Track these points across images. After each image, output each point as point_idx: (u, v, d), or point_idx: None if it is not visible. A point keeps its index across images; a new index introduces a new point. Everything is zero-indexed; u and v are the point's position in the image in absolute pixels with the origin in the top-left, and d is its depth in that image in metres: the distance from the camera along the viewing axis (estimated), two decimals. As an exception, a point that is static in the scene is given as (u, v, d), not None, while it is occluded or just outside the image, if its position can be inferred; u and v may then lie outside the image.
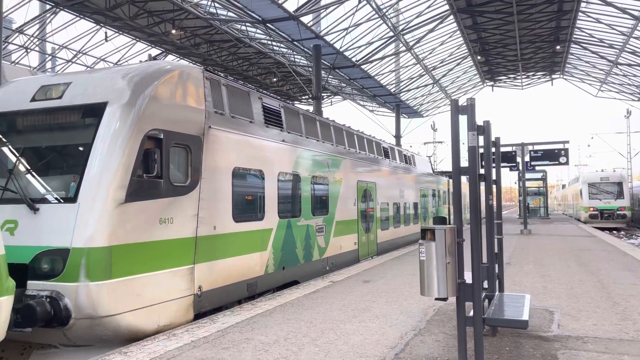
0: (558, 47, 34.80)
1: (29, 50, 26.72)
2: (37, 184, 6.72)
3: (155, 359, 5.44)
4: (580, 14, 28.72)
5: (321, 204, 12.38)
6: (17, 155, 6.95)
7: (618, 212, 34.52)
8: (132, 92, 6.95)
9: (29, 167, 6.91)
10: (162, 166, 7.09)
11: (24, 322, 5.87)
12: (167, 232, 7.11)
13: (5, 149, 7.08)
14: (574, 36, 33.11)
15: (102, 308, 6.14)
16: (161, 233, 7.00)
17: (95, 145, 6.61)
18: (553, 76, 45.68)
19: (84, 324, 6.11)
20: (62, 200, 6.45)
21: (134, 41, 28.98)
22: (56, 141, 6.99)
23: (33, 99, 7.29)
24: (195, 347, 5.84)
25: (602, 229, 30.56)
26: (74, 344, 6.40)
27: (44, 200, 6.47)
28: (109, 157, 6.52)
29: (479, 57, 38.00)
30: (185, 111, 7.67)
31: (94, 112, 6.85)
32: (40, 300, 5.96)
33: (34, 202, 6.43)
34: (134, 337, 6.56)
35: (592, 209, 35.18)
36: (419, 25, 29.51)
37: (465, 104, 4.76)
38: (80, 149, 6.77)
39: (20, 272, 6.16)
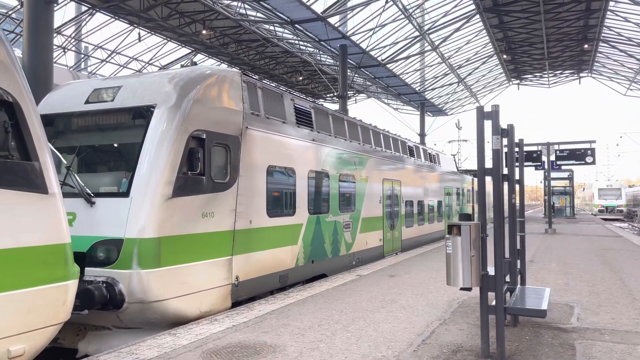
0: (586, 45, 34.55)
1: (66, 50, 27.77)
2: (93, 180, 7.33)
3: (202, 340, 5.99)
4: (608, 12, 28.53)
5: (348, 201, 12.84)
6: (74, 153, 7.59)
7: (617, 208, 52.62)
8: (178, 95, 7.52)
9: (84, 164, 7.54)
10: (204, 164, 7.64)
11: (82, 304, 6.47)
12: (209, 225, 7.67)
13: (63, 147, 7.72)
14: (603, 35, 32.83)
15: (151, 293, 6.72)
16: (203, 226, 7.56)
17: (145, 144, 7.19)
18: (581, 75, 45.23)
19: (136, 307, 6.71)
20: (115, 195, 7.04)
21: (165, 41, 29.83)
22: (109, 140, 7.61)
23: (87, 101, 7.92)
24: (237, 331, 6.38)
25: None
26: (125, 326, 7.00)
27: (99, 195, 7.07)
28: (158, 156, 7.09)
29: (504, 56, 37.92)
30: (225, 113, 8.21)
31: (144, 114, 7.43)
32: (97, 285, 6.57)
33: (90, 196, 7.04)
34: (179, 322, 7.14)
35: (600, 205, 53.38)
36: (445, 24, 29.68)
37: (490, 110, 5.16)
38: (131, 147, 7.36)
39: (79, 260, 6.76)
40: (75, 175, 7.22)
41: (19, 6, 22.69)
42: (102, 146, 7.65)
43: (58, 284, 5.30)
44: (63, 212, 5.43)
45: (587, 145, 26.45)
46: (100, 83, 8.24)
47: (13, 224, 4.85)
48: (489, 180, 6.68)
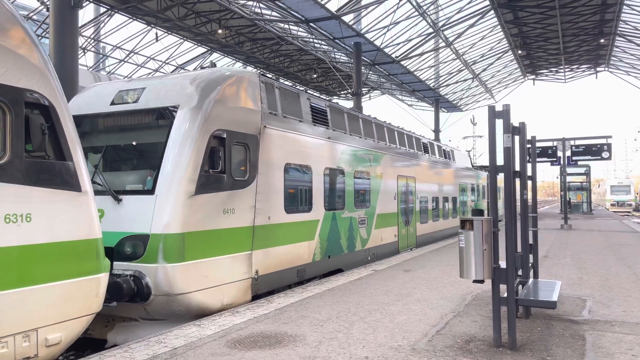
0: (602, 40, 34.25)
1: (85, 51, 28.33)
2: (119, 178, 7.67)
3: (226, 330, 6.29)
4: (624, 7, 28.30)
5: (363, 198, 13.07)
6: (101, 152, 7.93)
7: (627, 202, 59.80)
8: (200, 96, 7.82)
9: (111, 163, 7.88)
10: (225, 162, 7.94)
11: (111, 297, 6.80)
12: (230, 221, 7.97)
13: (90, 147, 8.07)
14: (619, 29, 32.53)
15: (176, 286, 7.04)
16: (224, 222, 7.86)
17: (168, 144, 7.50)
18: (598, 69, 44.79)
19: (162, 300, 7.03)
20: (141, 192, 7.37)
21: (182, 40, 30.26)
22: (134, 140, 7.94)
23: (112, 103, 8.25)
24: (258, 322, 6.67)
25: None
26: (151, 317, 7.33)
27: (125, 192, 7.40)
28: (181, 155, 7.39)
29: (520, 51, 37.73)
30: (245, 112, 8.50)
31: (167, 114, 7.75)
32: (125, 278, 6.90)
33: (117, 194, 7.37)
34: (202, 314, 7.45)
35: (612, 200, 61.10)
36: (459, 21, 29.68)
37: (501, 109, 5.35)
38: (155, 147, 7.67)
39: (107, 254, 7.09)
40: (102, 173, 7.56)
41: (43, 8, 23.21)
42: (128, 146, 7.99)
43: (91, 276, 5.63)
44: (95, 209, 5.76)
45: (603, 141, 26.30)
46: (125, 85, 8.57)
47: (50, 220, 5.18)
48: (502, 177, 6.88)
